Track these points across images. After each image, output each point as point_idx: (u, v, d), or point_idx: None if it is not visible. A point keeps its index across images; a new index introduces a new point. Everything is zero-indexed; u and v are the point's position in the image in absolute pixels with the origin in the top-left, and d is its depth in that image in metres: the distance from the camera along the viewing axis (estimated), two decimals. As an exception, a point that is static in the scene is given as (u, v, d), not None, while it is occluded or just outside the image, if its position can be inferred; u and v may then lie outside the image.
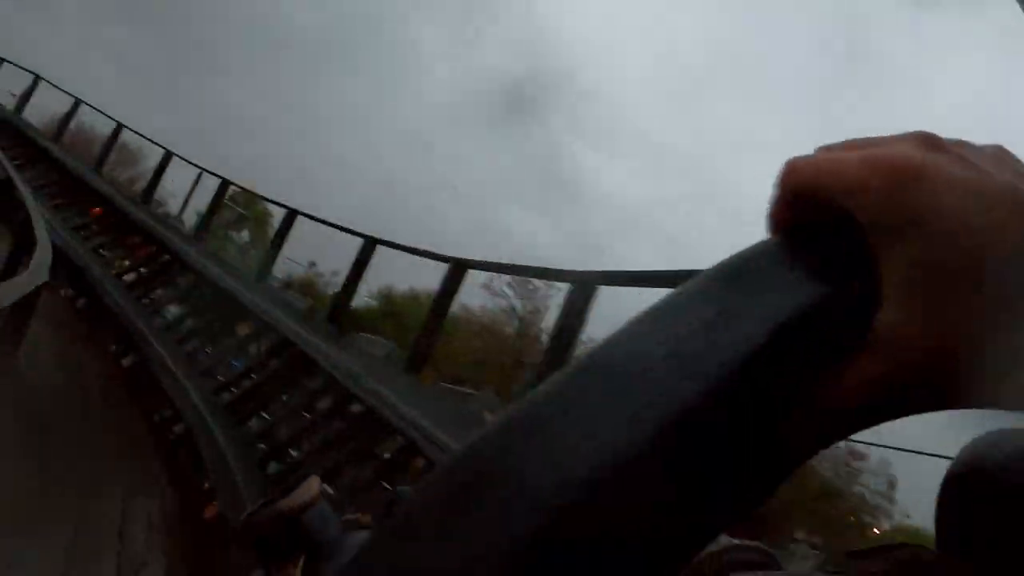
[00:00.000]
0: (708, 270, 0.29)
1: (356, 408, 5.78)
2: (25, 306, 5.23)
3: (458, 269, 7.05)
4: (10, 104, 16.06)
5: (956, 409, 0.28)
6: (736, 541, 0.54)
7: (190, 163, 13.51)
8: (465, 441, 0.27)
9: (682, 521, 0.26)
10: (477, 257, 7.47)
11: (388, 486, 4.96)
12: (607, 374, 0.26)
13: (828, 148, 0.31)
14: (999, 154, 0.29)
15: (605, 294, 5.20)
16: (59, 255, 7.08)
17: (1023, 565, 0.34)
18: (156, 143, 14.19)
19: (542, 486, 0.24)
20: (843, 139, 0.31)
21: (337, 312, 8.45)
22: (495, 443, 0.26)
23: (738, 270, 0.29)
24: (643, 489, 0.24)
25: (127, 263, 10.56)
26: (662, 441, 0.25)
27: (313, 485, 0.82)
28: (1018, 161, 0.29)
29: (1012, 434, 0.37)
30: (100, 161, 14.33)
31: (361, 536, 0.86)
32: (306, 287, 22.54)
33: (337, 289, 9.49)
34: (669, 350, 0.26)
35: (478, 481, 0.25)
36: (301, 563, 0.85)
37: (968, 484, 0.37)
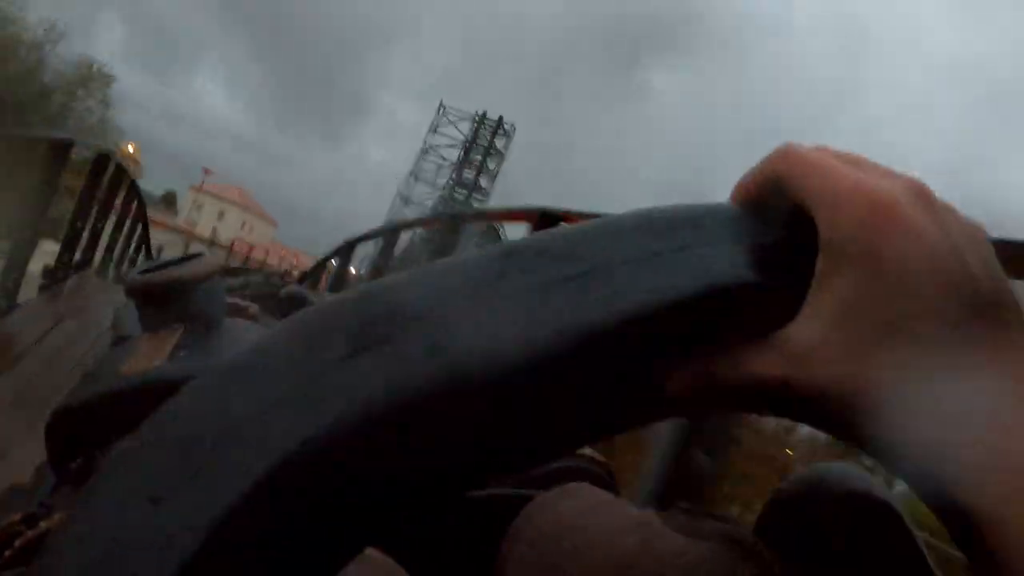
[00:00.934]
0: (667, 208, 0.30)
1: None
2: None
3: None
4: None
5: (848, 442, 0.28)
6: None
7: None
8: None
9: (558, 425, 0.28)
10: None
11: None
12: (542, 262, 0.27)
13: (826, 152, 0.30)
14: (976, 234, 0.29)
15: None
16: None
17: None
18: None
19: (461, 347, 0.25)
20: (848, 151, 0.31)
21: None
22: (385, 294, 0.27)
23: (695, 219, 0.30)
24: (534, 386, 0.26)
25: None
26: (565, 349, 0.26)
27: (212, 260, 0.82)
28: (990, 249, 0.29)
29: (855, 475, 0.41)
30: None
31: (245, 327, 0.86)
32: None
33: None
34: (592, 267, 0.27)
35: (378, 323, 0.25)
36: (179, 333, 0.85)
37: (804, 502, 0.41)
